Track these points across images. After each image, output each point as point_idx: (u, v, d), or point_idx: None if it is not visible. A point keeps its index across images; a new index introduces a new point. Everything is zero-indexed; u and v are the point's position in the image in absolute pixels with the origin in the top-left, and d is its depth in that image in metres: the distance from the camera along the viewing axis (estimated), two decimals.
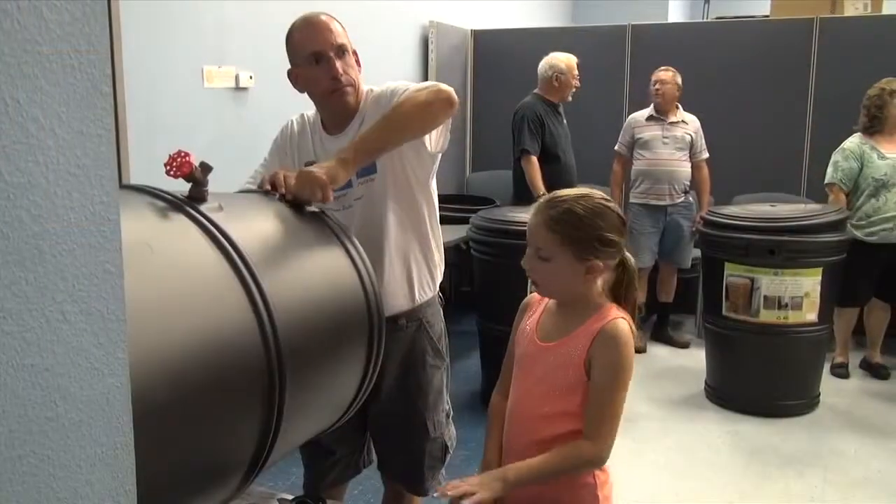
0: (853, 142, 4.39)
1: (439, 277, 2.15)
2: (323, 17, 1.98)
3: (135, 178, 3.18)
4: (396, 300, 2.02)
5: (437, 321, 2.15)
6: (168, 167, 1.37)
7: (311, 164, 2.03)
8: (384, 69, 5.04)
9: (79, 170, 0.72)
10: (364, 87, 2.06)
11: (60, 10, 0.68)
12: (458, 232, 4.32)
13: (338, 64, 1.94)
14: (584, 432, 1.58)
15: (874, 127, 4.35)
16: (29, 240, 0.68)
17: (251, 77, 3.89)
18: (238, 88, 3.88)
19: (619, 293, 1.67)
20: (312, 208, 1.66)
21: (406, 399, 2.10)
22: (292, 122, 2.17)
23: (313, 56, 1.95)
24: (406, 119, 1.84)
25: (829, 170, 4.43)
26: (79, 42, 0.71)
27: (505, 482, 1.54)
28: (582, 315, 1.64)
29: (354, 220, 1.95)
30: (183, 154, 1.38)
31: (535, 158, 4.51)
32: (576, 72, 4.71)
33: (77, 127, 0.71)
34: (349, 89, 1.98)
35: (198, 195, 1.37)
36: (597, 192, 1.65)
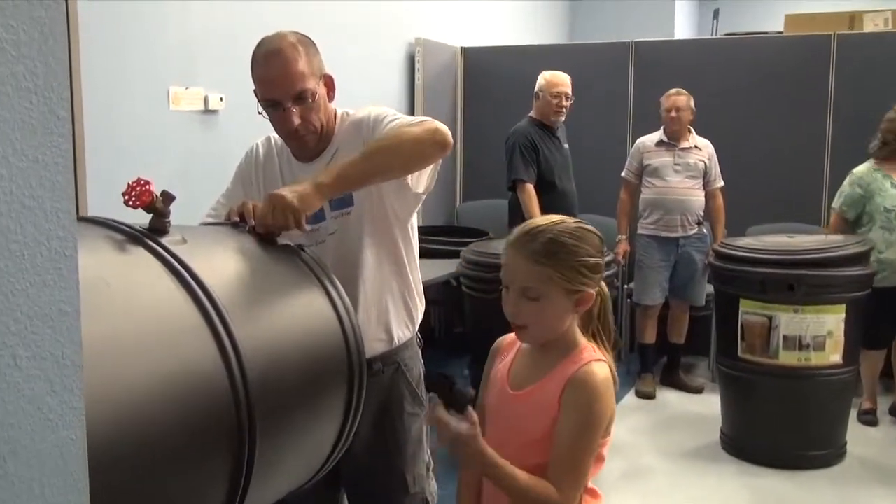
0: (863, 168, 4.44)
1: (418, 318, 2.16)
2: (284, 54, 1.93)
3: (93, 210, 3.18)
4: (372, 343, 2.00)
5: (416, 364, 2.15)
6: (126, 196, 1.38)
7: None
8: (366, 90, 5.07)
9: (33, 201, 0.72)
10: (339, 109, 2.08)
11: (16, 30, 0.69)
12: (448, 267, 4.33)
13: (295, 113, 1.94)
14: (548, 478, 1.57)
15: (887, 153, 4.39)
16: None
17: (221, 99, 3.92)
18: (207, 111, 3.90)
19: (593, 325, 1.68)
20: (286, 241, 1.67)
21: (383, 451, 2.09)
22: (257, 146, 2.17)
23: (268, 102, 1.96)
24: (394, 154, 1.86)
25: (836, 195, 4.50)
26: (35, 64, 0.72)
27: (483, 465, 1.57)
28: (555, 357, 1.63)
29: (328, 257, 1.95)
30: (142, 182, 1.38)
31: (530, 187, 4.53)
32: (561, 88, 4.66)
33: (32, 154, 0.72)
34: (310, 136, 2.00)
35: (159, 227, 1.37)
36: (567, 217, 1.66)
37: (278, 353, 1.39)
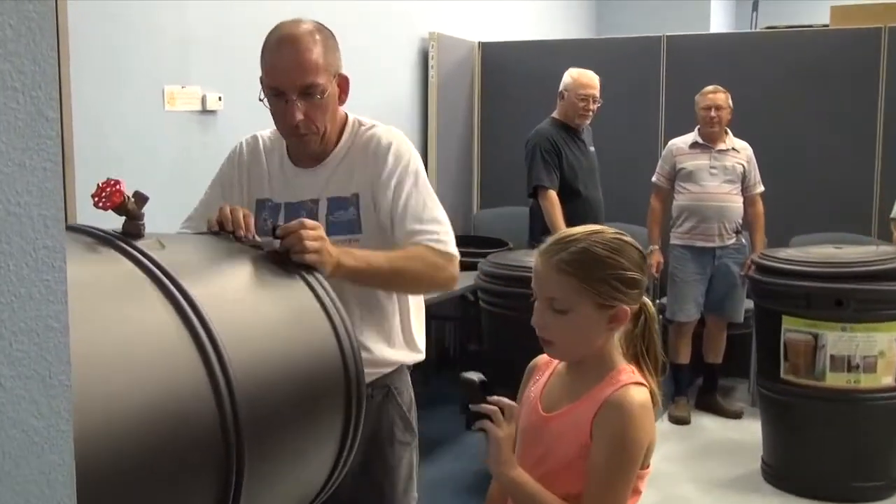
0: None
1: (415, 343, 2.15)
2: (299, 41, 1.92)
3: (82, 219, 3.20)
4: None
5: (406, 388, 2.15)
6: (96, 198, 1.38)
7: (265, 201, 2.05)
8: (375, 89, 5.09)
9: (19, 209, 0.73)
10: (350, 115, 2.08)
11: (2, 26, 0.70)
12: (464, 280, 4.31)
13: (299, 108, 1.92)
14: None
15: None
16: None
17: (220, 98, 3.95)
18: (205, 111, 3.92)
19: (638, 346, 1.67)
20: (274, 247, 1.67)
21: (371, 484, 2.07)
22: (241, 145, 2.16)
23: (273, 90, 1.95)
24: (409, 282, 1.97)
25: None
26: (22, 61, 0.72)
27: (510, 481, 1.61)
28: (591, 378, 1.63)
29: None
30: (112, 182, 1.38)
31: (553, 193, 4.52)
32: (588, 90, 4.65)
33: (18, 158, 0.72)
34: (311, 137, 1.98)
35: (132, 230, 1.38)
36: (607, 227, 1.68)
37: (270, 371, 1.38)
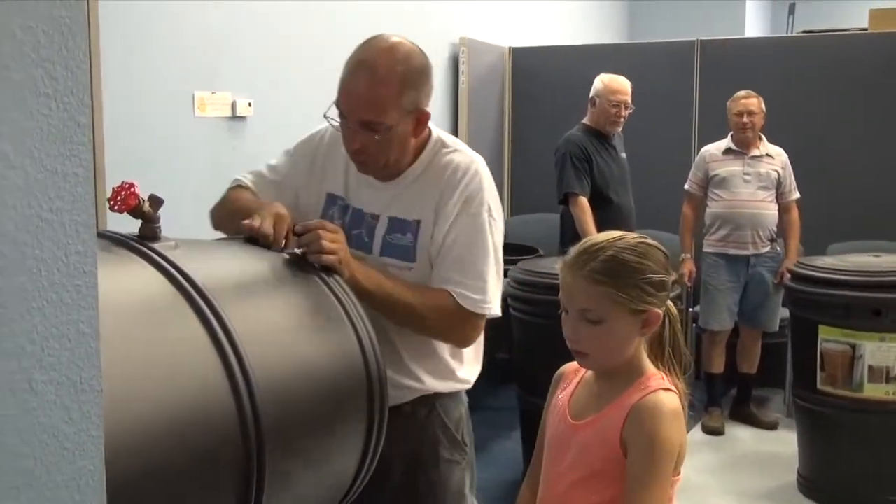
0: None
1: (464, 371, 2.04)
2: (375, 72, 1.80)
3: (112, 224, 3.23)
4: (399, 391, 1.91)
5: (456, 406, 2.06)
6: (111, 201, 1.40)
7: (337, 198, 2.01)
8: None
9: (52, 214, 0.73)
10: (434, 132, 1.99)
11: (35, 32, 0.71)
12: None
13: (358, 138, 1.83)
14: None
15: None
16: None
17: (249, 104, 3.98)
18: (234, 117, 3.95)
19: (665, 348, 1.67)
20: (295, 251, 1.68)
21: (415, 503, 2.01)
22: (327, 132, 2.04)
23: (339, 109, 1.86)
24: (412, 322, 1.87)
25: None
26: (55, 67, 0.73)
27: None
28: (620, 385, 1.63)
29: None
30: (127, 185, 1.40)
31: (584, 200, 4.50)
32: (621, 97, 4.61)
33: (51, 165, 0.73)
34: (370, 166, 1.90)
35: (148, 233, 1.39)
36: (628, 233, 1.68)
37: (291, 375, 1.39)
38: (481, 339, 2.05)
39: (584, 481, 1.62)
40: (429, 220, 1.91)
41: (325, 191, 2.04)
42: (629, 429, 1.57)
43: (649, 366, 1.65)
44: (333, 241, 1.67)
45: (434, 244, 1.90)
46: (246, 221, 1.67)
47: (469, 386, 2.08)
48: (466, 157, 1.97)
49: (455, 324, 1.89)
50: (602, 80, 4.67)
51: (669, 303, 1.67)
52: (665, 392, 1.59)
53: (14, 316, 0.71)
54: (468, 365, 2.05)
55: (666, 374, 1.65)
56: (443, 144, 1.97)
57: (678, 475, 1.62)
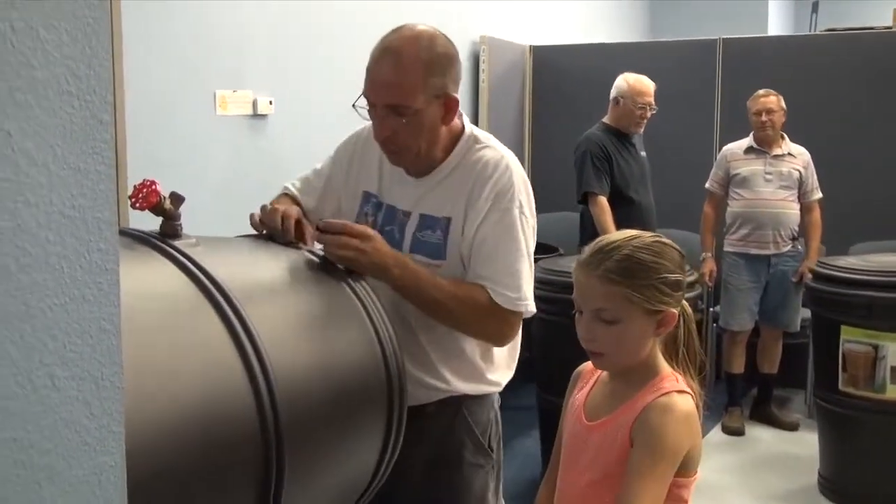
0: None
1: (495, 374, 2.01)
2: (399, 58, 1.81)
3: (134, 222, 3.25)
4: (424, 390, 1.90)
5: (483, 409, 2.02)
6: (133, 199, 1.41)
7: (371, 196, 2.01)
8: None
9: (74, 211, 0.74)
10: (467, 127, 1.97)
11: (59, 30, 0.72)
12: None
13: (386, 123, 1.83)
14: None
15: None
16: (15, 293, 0.70)
17: (271, 103, 3.99)
18: (256, 116, 3.97)
19: (676, 349, 1.66)
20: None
21: None
22: (365, 131, 2.04)
23: (366, 98, 1.86)
24: (447, 317, 1.85)
25: None
26: (78, 65, 0.74)
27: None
28: (634, 385, 1.62)
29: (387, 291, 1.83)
30: (148, 183, 1.41)
31: (603, 199, 4.48)
32: (646, 98, 4.59)
33: (73, 162, 0.74)
34: (402, 155, 1.90)
35: (170, 231, 1.40)
36: (643, 231, 1.67)
37: (310, 373, 1.39)
38: (517, 340, 2.02)
39: (599, 483, 1.60)
40: (459, 218, 1.90)
41: (362, 189, 2.05)
42: (637, 427, 1.56)
43: (664, 366, 1.64)
44: (346, 245, 1.68)
45: (465, 241, 1.89)
46: (251, 213, 1.73)
47: (499, 389, 2.05)
48: (497, 153, 1.95)
49: (491, 321, 1.87)
50: (627, 81, 4.62)
51: (685, 302, 1.65)
52: (679, 394, 1.58)
53: (36, 312, 0.72)
54: (499, 367, 2.02)
55: (681, 375, 1.64)
56: (476, 140, 1.96)
57: (694, 475, 1.61)
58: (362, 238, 1.72)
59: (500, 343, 1.94)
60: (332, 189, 2.08)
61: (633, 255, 1.57)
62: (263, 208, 1.78)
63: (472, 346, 1.95)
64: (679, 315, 1.63)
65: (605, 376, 1.71)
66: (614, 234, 1.66)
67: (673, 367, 1.65)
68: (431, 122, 1.86)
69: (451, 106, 1.88)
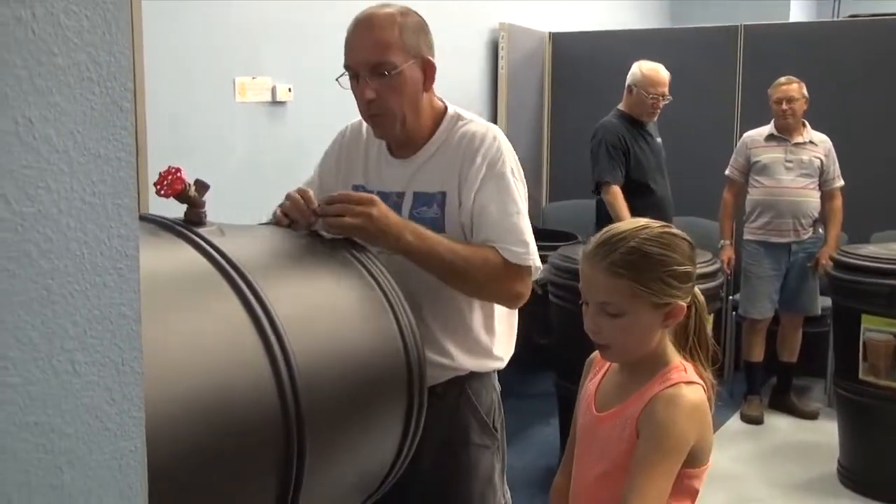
0: None
1: (498, 349, 2.05)
2: (374, 21, 1.90)
3: (154, 208, 3.27)
4: (430, 369, 1.87)
5: (486, 390, 2.05)
6: (157, 186, 1.42)
7: (359, 187, 2.04)
8: (445, 80, 5.08)
9: (94, 198, 0.74)
10: (450, 107, 2.03)
11: (79, 17, 0.72)
12: None
13: (370, 86, 1.88)
14: None
15: None
16: (37, 278, 0.70)
17: (290, 90, 3.99)
18: (275, 102, 3.97)
19: (690, 338, 1.64)
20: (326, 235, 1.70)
21: (444, 490, 2.01)
22: (347, 128, 2.14)
23: (348, 70, 1.94)
24: (463, 278, 1.87)
25: None
26: (98, 52, 0.74)
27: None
28: (643, 376, 1.60)
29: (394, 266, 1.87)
30: (173, 170, 1.41)
31: (616, 188, 4.45)
32: (659, 88, 4.52)
33: (94, 149, 0.74)
34: (387, 119, 1.93)
35: (194, 218, 1.40)
36: (651, 221, 1.62)
37: (331, 359, 1.40)
38: (515, 315, 2.08)
39: (610, 475, 1.58)
40: (454, 191, 1.94)
41: (351, 183, 2.07)
42: (643, 419, 1.54)
43: (674, 356, 1.61)
44: (350, 211, 1.71)
45: (464, 211, 1.93)
46: (274, 211, 1.78)
47: (502, 365, 2.07)
48: (483, 125, 2.00)
49: (505, 280, 1.90)
50: (641, 70, 4.58)
51: (696, 290, 1.62)
52: (687, 385, 1.55)
53: (57, 298, 0.72)
54: (501, 342, 2.04)
55: (693, 365, 1.61)
56: (459, 117, 2.02)
57: (704, 465, 1.59)
58: (365, 203, 1.74)
59: (516, 303, 1.98)
60: (325, 188, 2.09)
61: (640, 248, 1.53)
62: (282, 205, 1.80)
63: (475, 320, 1.98)
64: (691, 305, 1.60)
65: (615, 365, 1.69)
66: (622, 225, 1.62)
67: (683, 357, 1.63)
68: (413, 85, 1.92)
69: (429, 72, 1.96)
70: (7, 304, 0.68)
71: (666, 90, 4.57)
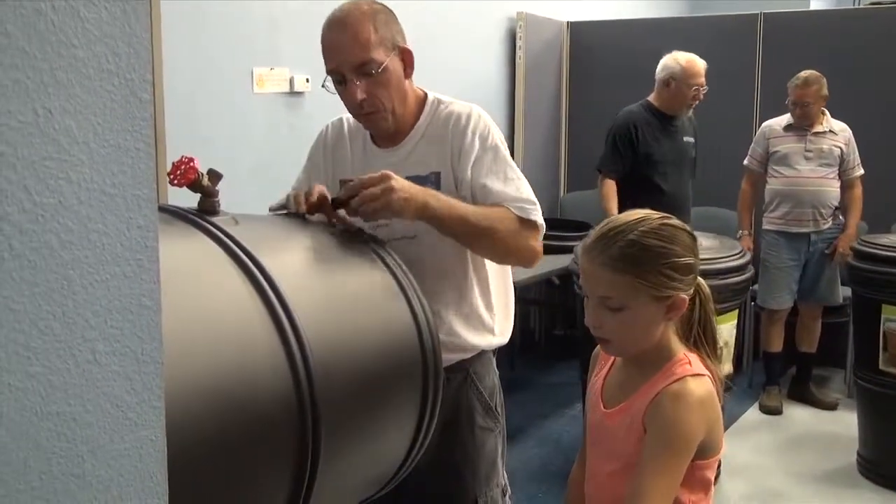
0: None
1: (497, 329, 2.09)
2: (348, 20, 1.91)
3: (172, 199, 3.28)
4: None
5: (488, 373, 2.10)
6: (171, 175, 1.42)
7: (347, 182, 2.03)
8: (463, 70, 5.09)
9: (114, 189, 0.75)
10: (430, 94, 2.07)
11: (99, 8, 0.72)
12: (551, 264, 4.29)
13: (359, 87, 1.91)
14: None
15: None
16: (58, 269, 0.71)
17: (307, 80, 3.99)
18: (292, 93, 3.98)
19: (695, 330, 1.62)
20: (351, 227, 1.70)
21: (450, 471, 2.03)
22: (327, 127, 2.17)
23: (332, 74, 1.96)
24: (492, 245, 1.93)
25: None
26: (117, 44, 0.74)
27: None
28: (648, 369, 1.58)
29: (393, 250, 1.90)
30: (186, 160, 1.42)
31: (610, 182, 4.39)
32: (699, 79, 4.42)
33: (113, 140, 0.75)
34: (380, 115, 1.96)
35: (207, 207, 1.40)
36: (651, 212, 1.59)
37: (346, 348, 1.40)
38: (511, 294, 2.15)
39: (619, 471, 1.57)
40: (447, 170, 1.99)
41: (339, 179, 2.08)
42: (650, 415, 1.52)
43: (678, 349, 1.59)
44: (371, 196, 1.72)
45: (464, 186, 1.97)
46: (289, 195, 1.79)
47: (504, 341, 2.12)
48: (466, 105, 2.05)
49: (521, 238, 1.95)
50: (679, 63, 4.43)
51: (701, 281, 1.60)
52: (693, 378, 1.53)
53: (77, 288, 0.73)
54: (500, 317, 2.10)
55: (698, 356, 1.60)
56: (440, 101, 2.06)
57: (716, 456, 1.58)
58: (381, 180, 1.74)
59: (533, 261, 2.02)
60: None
61: (639, 241, 1.51)
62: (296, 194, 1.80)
63: (474, 298, 2.03)
64: (695, 297, 1.58)
65: (620, 360, 1.68)
66: (620, 217, 1.59)
67: (688, 348, 1.60)
68: (397, 77, 1.95)
69: (408, 59, 1.98)
70: (28, 294, 0.69)
71: (704, 80, 4.46)
